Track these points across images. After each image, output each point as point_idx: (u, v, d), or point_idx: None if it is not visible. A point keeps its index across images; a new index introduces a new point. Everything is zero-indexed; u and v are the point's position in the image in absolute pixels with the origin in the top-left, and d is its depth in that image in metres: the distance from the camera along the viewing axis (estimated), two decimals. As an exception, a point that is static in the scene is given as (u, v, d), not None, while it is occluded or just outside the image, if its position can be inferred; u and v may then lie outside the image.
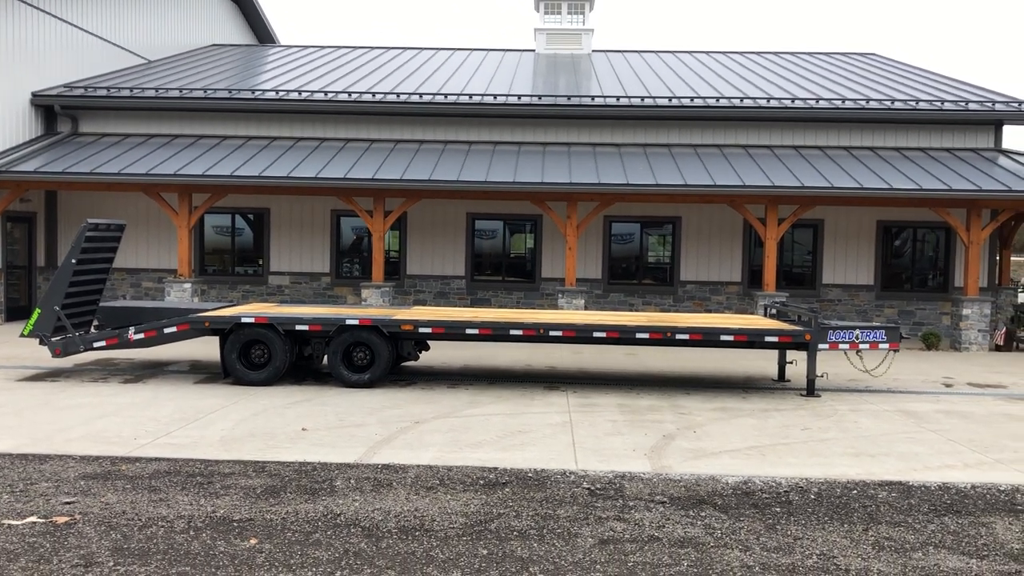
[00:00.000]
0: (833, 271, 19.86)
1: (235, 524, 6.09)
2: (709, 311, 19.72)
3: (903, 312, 19.66)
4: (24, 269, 19.60)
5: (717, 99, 19.79)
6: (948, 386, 13.08)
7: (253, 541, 5.77)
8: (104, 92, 19.92)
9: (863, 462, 8.35)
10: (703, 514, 6.58)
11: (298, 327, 11.91)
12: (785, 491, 7.26)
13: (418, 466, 7.74)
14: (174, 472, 7.37)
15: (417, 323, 11.93)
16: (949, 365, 15.33)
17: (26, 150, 18.50)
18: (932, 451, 8.88)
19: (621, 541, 5.95)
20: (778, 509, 6.76)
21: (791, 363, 13.49)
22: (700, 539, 6.03)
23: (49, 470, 7.35)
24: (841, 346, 12.00)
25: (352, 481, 7.21)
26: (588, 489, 7.15)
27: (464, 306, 19.72)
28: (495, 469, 7.70)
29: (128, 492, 6.76)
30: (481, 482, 7.28)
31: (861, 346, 12.03)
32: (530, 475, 7.54)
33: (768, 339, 11.89)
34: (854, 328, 12.02)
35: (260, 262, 20.48)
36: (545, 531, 6.11)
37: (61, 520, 6.06)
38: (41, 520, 6.07)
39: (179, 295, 17.80)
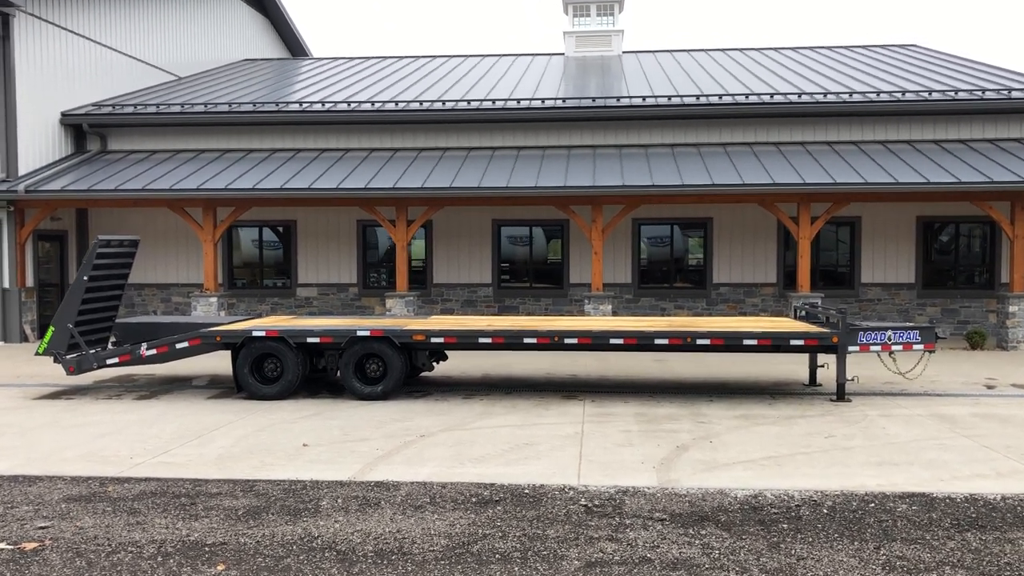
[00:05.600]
0: (872, 270, 19.18)
1: (206, 549, 5.85)
2: (744, 314, 19.17)
3: (946, 310, 18.90)
4: (56, 287, 19.79)
5: (747, 96, 19.27)
6: (990, 388, 12.43)
7: (220, 567, 5.52)
8: (131, 109, 20.08)
9: (886, 472, 7.85)
10: (703, 532, 6.18)
11: (309, 339, 11.73)
12: (796, 505, 6.81)
13: (412, 483, 7.44)
14: (160, 493, 7.17)
15: (429, 333, 11.66)
16: (994, 365, 14.61)
17: (55, 169, 18.70)
18: (963, 459, 8.34)
19: (609, 564, 5.58)
20: (785, 525, 6.33)
21: (822, 367, 12.94)
22: (695, 560, 5.64)
23: (34, 493, 7.21)
24: (873, 348, 11.44)
25: (339, 500, 6.94)
26: (585, 506, 6.78)
27: (492, 314, 19.44)
28: (491, 485, 7.37)
29: (107, 515, 6.56)
30: (473, 500, 6.96)
31: (894, 348, 11.47)
32: (526, 491, 7.20)
33: (793, 342, 11.38)
34: (886, 329, 11.45)
35: (288, 274, 20.44)
36: (530, 553, 5.76)
37: (30, 546, 5.88)
38: (9, 547, 5.89)
39: (205, 309, 17.79)
